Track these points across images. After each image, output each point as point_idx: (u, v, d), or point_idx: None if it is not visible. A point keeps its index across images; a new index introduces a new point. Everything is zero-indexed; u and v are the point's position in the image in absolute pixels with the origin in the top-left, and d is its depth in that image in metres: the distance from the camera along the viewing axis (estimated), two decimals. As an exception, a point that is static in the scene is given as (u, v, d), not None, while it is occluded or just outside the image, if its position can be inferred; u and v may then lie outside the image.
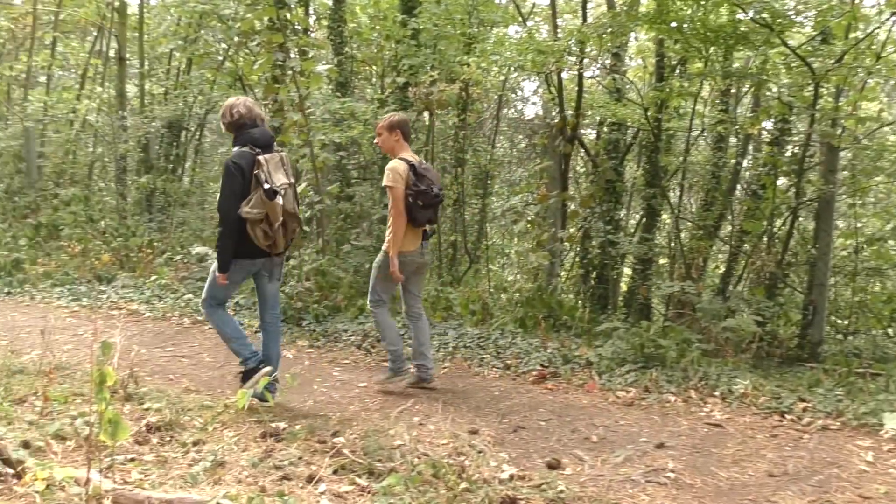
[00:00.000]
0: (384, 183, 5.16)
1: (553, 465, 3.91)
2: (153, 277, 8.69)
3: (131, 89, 13.13)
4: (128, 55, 12.57)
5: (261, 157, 4.45)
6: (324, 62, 9.21)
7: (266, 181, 4.40)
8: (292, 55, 7.89)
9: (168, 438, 3.94)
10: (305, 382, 5.43)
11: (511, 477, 3.60)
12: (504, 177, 11.37)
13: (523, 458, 4.05)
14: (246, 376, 4.62)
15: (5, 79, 14.47)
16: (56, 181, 12.46)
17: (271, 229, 4.50)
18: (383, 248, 5.23)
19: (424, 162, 5.44)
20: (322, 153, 8.08)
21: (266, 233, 4.50)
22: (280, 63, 7.52)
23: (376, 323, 5.50)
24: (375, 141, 5.52)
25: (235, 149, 4.58)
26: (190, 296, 8.00)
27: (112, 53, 13.42)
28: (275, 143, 4.76)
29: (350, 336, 6.79)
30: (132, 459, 3.55)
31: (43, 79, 15.23)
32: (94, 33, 14.70)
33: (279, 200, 4.44)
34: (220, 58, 11.42)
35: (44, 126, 13.15)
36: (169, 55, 13.34)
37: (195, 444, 3.83)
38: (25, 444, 3.33)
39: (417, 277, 5.43)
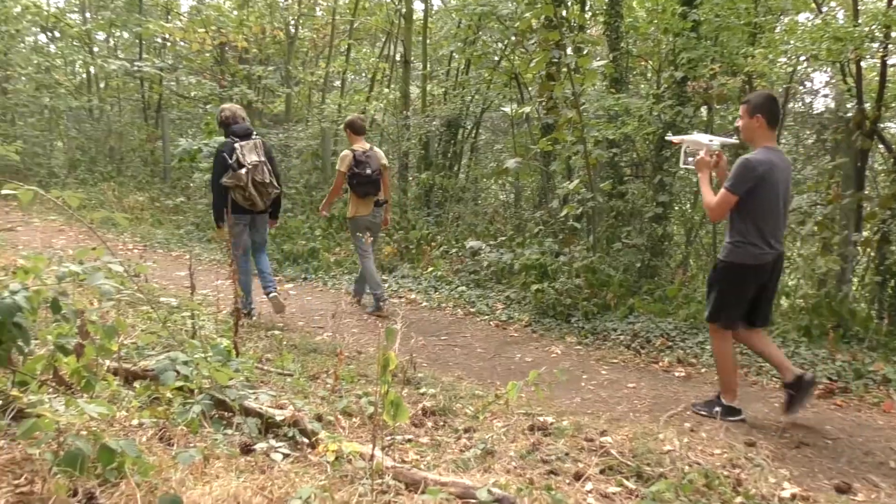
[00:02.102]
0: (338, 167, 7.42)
1: (842, 489, 3.59)
2: (430, 269, 9.16)
3: (414, 90, 13.90)
4: (412, 58, 13.32)
5: (237, 144, 6.43)
6: (599, 58, 9.15)
7: (234, 160, 6.37)
8: (568, 52, 7.93)
9: (441, 423, 4.14)
10: (573, 379, 5.45)
11: (793, 496, 3.35)
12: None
13: (807, 478, 3.76)
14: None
15: (307, 84, 15.95)
16: (348, 176, 13.55)
17: (245, 192, 6.39)
18: (347, 214, 7.61)
19: (369, 151, 7.32)
20: (595, 150, 8.04)
21: (243, 195, 6.41)
22: (555, 60, 7.58)
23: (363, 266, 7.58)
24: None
25: (224, 139, 6.65)
26: (463, 288, 8.33)
27: (398, 57, 14.32)
28: (253, 133, 6.67)
29: (619, 335, 6.70)
30: (409, 440, 3.77)
31: (338, 83, 16.61)
32: (383, 39, 15.77)
33: (242, 171, 6.34)
34: (497, 58, 11.76)
35: (337, 126, 14.35)
36: (449, 57, 13.97)
37: (466, 430, 3.99)
38: (318, 418, 3.67)
39: (373, 233, 7.40)
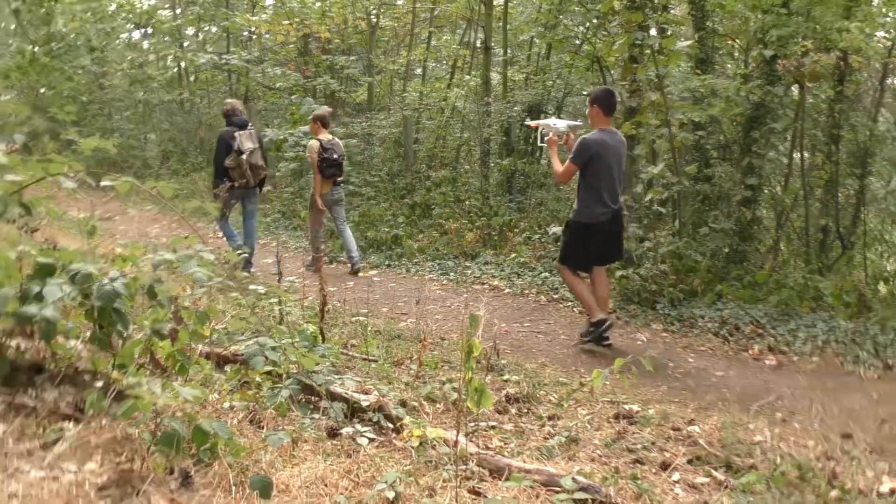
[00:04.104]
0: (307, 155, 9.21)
1: (945, 484, 3.44)
2: (513, 255, 9.14)
3: (495, 77, 13.83)
4: (493, 44, 13.25)
5: (236, 133, 7.98)
6: (683, 39, 8.91)
7: (237, 147, 7.93)
8: (651, 33, 7.76)
9: (525, 410, 4.14)
10: (659, 367, 5.36)
11: (892, 491, 3.22)
12: (886, 154, 10.14)
13: (908, 472, 3.61)
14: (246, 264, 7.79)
15: (388, 73, 16.05)
16: (428, 164, 13.57)
17: (241, 171, 7.96)
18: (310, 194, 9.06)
19: (333, 140, 8.74)
20: (680, 133, 7.86)
21: (240, 175, 7.97)
22: (639, 42, 7.44)
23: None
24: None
25: (226, 128, 8.22)
26: (546, 274, 8.28)
27: (478, 44, 14.27)
28: (249, 124, 8.27)
29: (707, 322, 6.57)
30: (493, 427, 3.78)
31: (419, 71, 16.67)
32: (463, 26, 15.73)
33: (244, 157, 7.94)
34: (578, 41, 11.59)
35: (419, 114, 14.40)
36: (530, 42, 13.84)
37: (550, 418, 3.97)
38: (403, 403, 3.71)
39: (337, 209, 8.94)
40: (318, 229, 9.02)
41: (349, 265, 8.92)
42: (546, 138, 6.31)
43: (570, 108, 13.90)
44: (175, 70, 19.88)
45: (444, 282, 8.55)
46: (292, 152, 11.86)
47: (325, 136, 8.74)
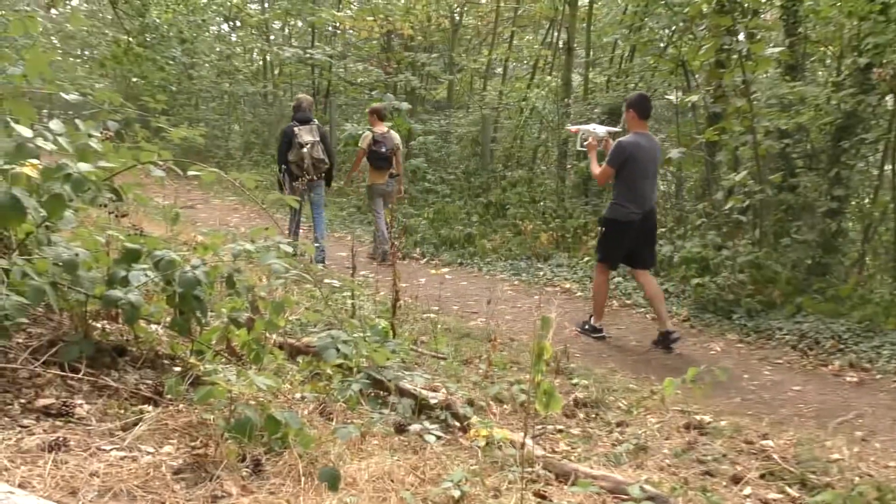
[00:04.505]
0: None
1: None
2: (586, 258, 9.04)
3: (576, 78, 13.71)
4: (575, 45, 13.13)
5: (295, 129, 8.19)
6: (773, 44, 8.67)
7: (297, 141, 8.13)
8: (740, 38, 7.57)
9: (593, 415, 4.10)
10: (733, 378, 5.23)
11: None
12: None
13: None
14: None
15: (469, 71, 16.07)
16: (505, 164, 13.54)
17: (302, 164, 8.11)
18: (366, 182, 9.77)
19: (387, 133, 9.08)
20: (765, 140, 7.65)
21: (300, 167, 8.10)
22: (726, 47, 7.27)
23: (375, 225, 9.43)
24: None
25: (290, 123, 8.43)
26: (620, 278, 8.17)
27: (561, 44, 14.15)
28: (311, 120, 8.35)
29: (785, 335, 6.38)
30: (560, 431, 3.75)
31: (499, 70, 16.63)
32: (546, 26, 15.62)
33: (305, 150, 8.11)
34: (663, 44, 11.39)
35: (497, 113, 14.37)
36: (613, 44, 13.65)
37: (619, 424, 3.92)
38: (470, 402, 3.70)
39: (387, 200, 9.08)
40: (379, 219, 9.27)
41: (376, 255, 9.16)
42: (586, 143, 6.68)
43: (652, 112, 13.66)
44: (260, 63, 20.32)
45: (516, 282, 8.53)
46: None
47: (380, 128, 9.10)
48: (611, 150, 6.33)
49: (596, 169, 6.49)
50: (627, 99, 6.70)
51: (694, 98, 8.75)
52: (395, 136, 9.31)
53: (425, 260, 9.69)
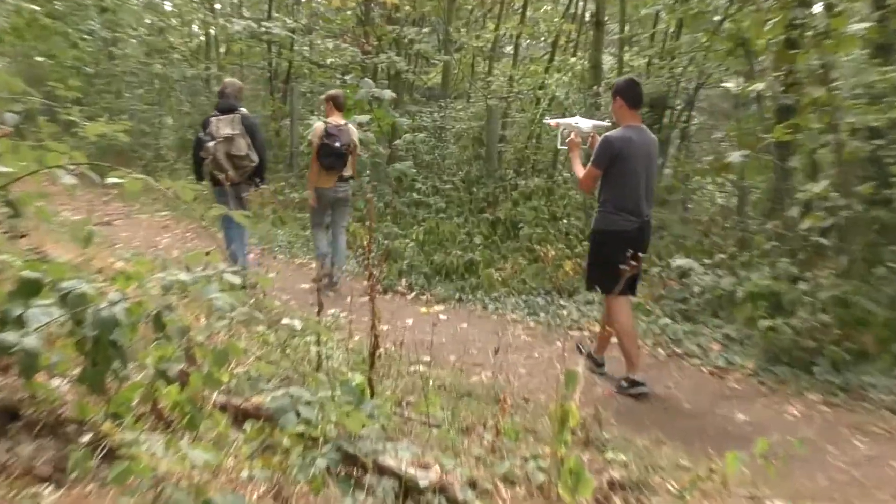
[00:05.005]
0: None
1: None
2: (622, 293, 9.03)
3: (607, 60, 13.79)
4: (606, 18, 13.21)
5: (212, 118, 8.48)
6: (858, 18, 8.71)
7: (209, 132, 8.35)
8: (815, 10, 7.61)
9: (634, 502, 4.04)
10: (816, 451, 5.20)
11: None
12: None
13: None
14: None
15: (470, 50, 16.14)
16: (517, 170, 13.51)
17: (215, 164, 8.23)
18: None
19: (343, 126, 9.31)
20: (852, 141, 7.66)
21: (216, 167, 8.23)
22: (798, 22, 7.29)
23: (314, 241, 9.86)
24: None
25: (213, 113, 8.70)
26: (667, 321, 8.16)
27: (588, 17, 14.26)
28: (236, 108, 8.56)
29: (881, 394, 6.35)
30: (591, 522, 3.69)
31: (509, 49, 16.73)
32: (569, -7, 15.75)
33: (212, 145, 8.26)
34: (719, 17, 11.45)
35: (507, 105, 14.40)
36: (654, 17, 13.76)
37: (668, 513, 3.87)
38: (472, 484, 3.64)
39: (337, 209, 9.53)
40: (318, 232, 9.62)
41: (327, 277, 9.38)
42: (567, 140, 7.00)
43: (705, 104, 13.73)
44: (202, 39, 20.42)
45: (532, 324, 8.50)
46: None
47: (336, 119, 9.38)
48: (596, 147, 6.62)
49: (579, 171, 6.80)
50: (614, 84, 7.06)
51: (759, 87, 8.80)
52: (354, 132, 9.56)
53: (413, 294, 9.67)
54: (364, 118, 12.18)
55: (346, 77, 13.85)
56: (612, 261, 6.11)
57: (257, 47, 18.72)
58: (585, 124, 7.01)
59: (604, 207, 6.60)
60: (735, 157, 8.14)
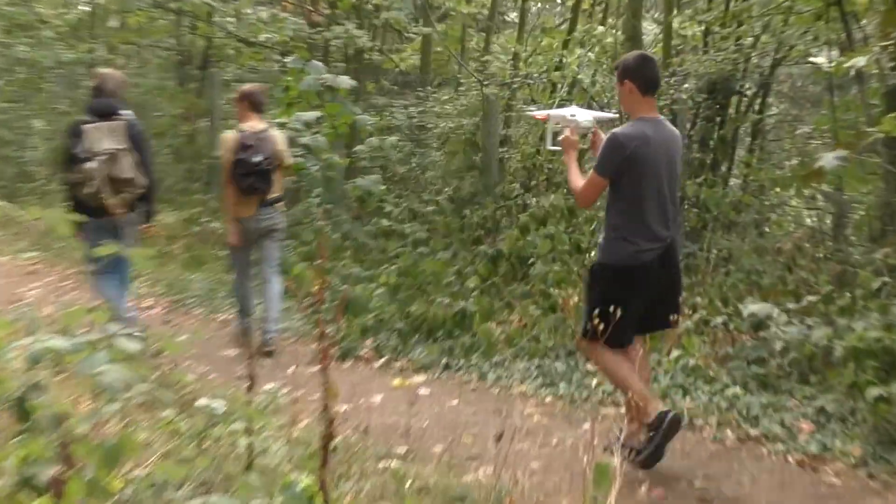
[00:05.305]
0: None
1: None
2: (674, 354, 9.02)
3: (649, 29, 13.87)
4: (647, -29, 13.33)
5: (86, 126, 8.17)
6: None
7: (82, 148, 8.09)
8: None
9: None
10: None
11: None
12: None
13: None
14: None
15: (459, 19, 16.21)
16: (526, 184, 13.51)
17: (94, 191, 8.06)
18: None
19: (263, 133, 9.41)
20: None
21: (92, 195, 8.07)
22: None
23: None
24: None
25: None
26: (737, 390, 8.15)
27: (622, -31, 14.36)
28: (118, 110, 8.40)
29: None
30: None
31: (513, 17, 16.83)
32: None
33: (92, 165, 8.02)
34: (804, -33, 11.57)
35: (511, 93, 14.43)
36: (715, -32, 13.87)
37: None
38: None
39: (268, 244, 9.71)
40: (242, 277, 9.84)
41: (260, 337, 9.42)
42: (561, 138, 7.01)
43: (786, 87, 13.83)
44: (85, 10, 20.44)
45: (548, 399, 8.47)
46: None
47: (252, 123, 9.54)
48: (600, 148, 6.60)
49: (577, 180, 6.78)
50: (618, 64, 6.98)
51: (860, 61, 8.85)
52: (280, 138, 9.75)
53: (383, 361, 9.64)
54: (312, 116, 12.18)
55: (287, 59, 13.89)
56: (623, 303, 6.17)
57: (162, 20, 18.76)
58: (584, 117, 7.03)
59: (614, 232, 6.59)
60: (829, 160, 8.16)
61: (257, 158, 9.15)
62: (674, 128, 6.93)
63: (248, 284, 9.75)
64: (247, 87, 10.15)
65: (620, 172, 6.40)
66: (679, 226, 6.93)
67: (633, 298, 6.35)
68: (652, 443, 6.38)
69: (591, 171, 6.61)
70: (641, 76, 6.55)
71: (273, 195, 9.48)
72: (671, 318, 6.69)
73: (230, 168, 9.21)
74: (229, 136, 9.42)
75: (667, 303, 6.66)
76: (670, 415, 6.34)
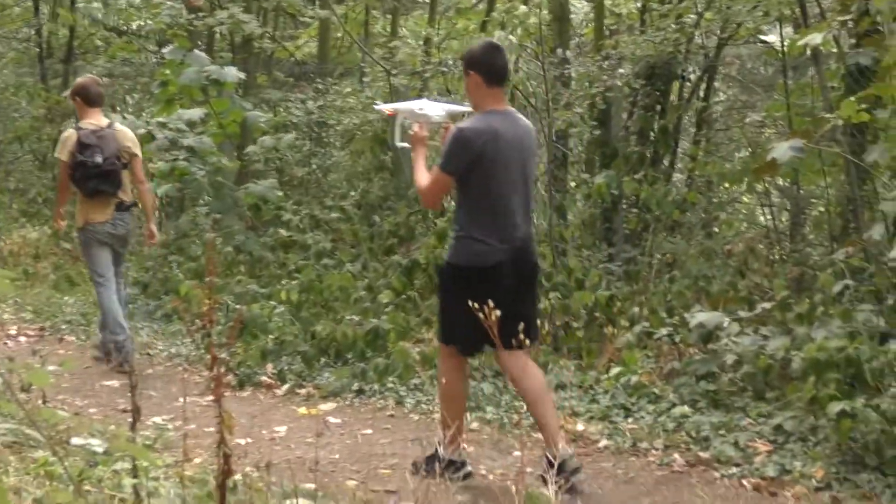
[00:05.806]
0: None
1: None
2: (613, 370, 9.09)
3: (578, 7, 13.96)
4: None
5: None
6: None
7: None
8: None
9: None
10: None
11: None
12: None
13: None
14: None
15: (361, 0, 16.25)
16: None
17: None
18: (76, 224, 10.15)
19: (105, 130, 9.74)
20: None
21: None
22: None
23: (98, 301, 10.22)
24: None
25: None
26: (685, 409, 8.22)
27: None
28: None
29: None
30: None
31: (424, -3, 16.89)
32: None
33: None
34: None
35: (423, 83, 14.48)
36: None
37: None
38: None
39: (118, 251, 10.14)
40: (106, 291, 9.96)
41: (108, 353, 9.90)
42: (411, 132, 7.26)
43: (734, 69, 13.98)
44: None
45: (474, 424, 8.50)
46: (165, 161, 11.96)
47: (92, 121, 9.89)
48: (445, 144, 6.87)
49: (422, 179, 7.01)
50: (465, 53, 7.40)
51: (816, 39, 8.97)
52: (125, 134, 10.06)
53: (287, 388, 9.64)
54: (195, 114, 12.14)
55: (164, 50, 13.87)
56: (471, 309, 6.06)
57: (17, 6, 18.62)
58: (435, 111, 7.24)
59: (462, 231, 6.81)
60: (783, 150, 8.22)
61: (98, 159, 9.41)
62: (527, 121, 7.23)
63: (114, 296, 9.84)
64: (80, 80, 10.50)
65: (468, 170, 6.65)
66: (531, 222, 7.12)
67: (481, 302, 5.97)
68: (566, 485, 6.32)
69: (435, 167, 6.86)
70: (487, 66, 6.80)
71: (127, 198, 9.83)
72: (518, 335, 6.05)
73: (69, 170, 9.54)
74: (68, 135, 9.68)
75: (522, 311, 6.59)
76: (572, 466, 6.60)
